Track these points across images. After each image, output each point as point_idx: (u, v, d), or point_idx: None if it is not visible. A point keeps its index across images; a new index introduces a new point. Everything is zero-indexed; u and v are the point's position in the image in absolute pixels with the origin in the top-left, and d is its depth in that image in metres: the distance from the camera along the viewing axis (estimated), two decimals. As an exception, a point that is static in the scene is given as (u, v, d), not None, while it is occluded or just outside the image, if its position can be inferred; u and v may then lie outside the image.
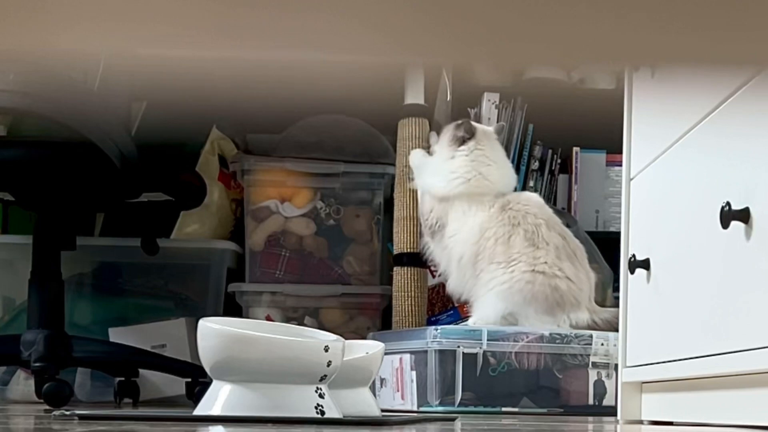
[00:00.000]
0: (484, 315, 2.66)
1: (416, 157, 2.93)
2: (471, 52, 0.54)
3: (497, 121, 3.11)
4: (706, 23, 0.54)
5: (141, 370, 2.91)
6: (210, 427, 1.43)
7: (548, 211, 2.78)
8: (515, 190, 2.91)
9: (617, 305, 2.17)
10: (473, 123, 2.86)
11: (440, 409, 2.50)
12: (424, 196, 2.87)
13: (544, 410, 2.54)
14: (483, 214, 2.73)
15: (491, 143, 2.85)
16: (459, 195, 2.77)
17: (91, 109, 2.45)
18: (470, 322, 2.69)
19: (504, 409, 2.53)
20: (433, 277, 3.06)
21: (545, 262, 2.65)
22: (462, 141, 2.80)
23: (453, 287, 2.80)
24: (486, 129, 2.88)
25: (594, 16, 0.53)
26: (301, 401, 1.50)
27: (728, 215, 1.49)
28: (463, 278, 2.75)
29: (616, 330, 2.58)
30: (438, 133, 2.93)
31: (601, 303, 2.81)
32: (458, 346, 2.50)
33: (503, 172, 2.84)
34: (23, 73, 2.35)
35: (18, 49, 0.57)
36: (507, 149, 3.12)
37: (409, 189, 2.97)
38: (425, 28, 0.53)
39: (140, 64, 2.67)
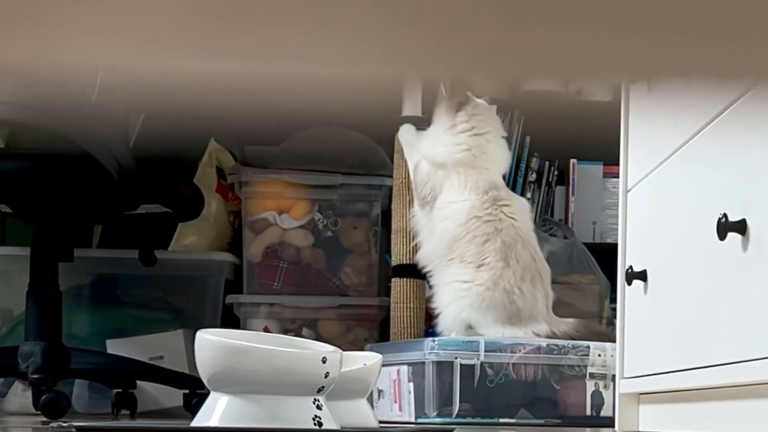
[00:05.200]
0: (447, 325, 2.67)
1: (408, 131, 2.92)
2: (468, 65, 0.55)
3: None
4: (702, 36, 0.54)
5: (138, 382, 2.91)
6: (208, 439, 1.44)
7: (530, 227, 2.76)
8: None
9: (615, 316, 2.17)
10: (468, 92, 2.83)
11: (438, 420, 2.50)
12: (420, 165, 2.84)
13: (542, 421, 2.54)
14: (476, 197, 2.71)
15: (489, 114, 2.83)
16: (458, 163, 2.75)
17: (89, 121, 2.46)
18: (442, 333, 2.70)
19: (501, 420, 2.53)
20: (431, 288, 3.06)
21: (508, 280, 2.64)
22: (459, 106, 2.79)
23: (422, 257, 2.79)
24: (478, 100, 2.86)
25: (590, 29, 0.54)
26: (299, 413, 1.50)
27: (725, 227, 1.49)
28: (434, 254, 2.74)
29: (574, 339, 2.59)
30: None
31: (598, 314, 2.81)
32: (456, 358, 2.51)
33: (501, 151, 2.82)
34: (21, 85, 2.36)
35: (17, 60, 0.58)
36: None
37: (407, 200, 2.96)
38: (423, 40, 0.53)
39: (138, 76, 2.67)
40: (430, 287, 2.80)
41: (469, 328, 2.65)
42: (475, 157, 2.75)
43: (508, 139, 3.14)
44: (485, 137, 2.77)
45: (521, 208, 2.76)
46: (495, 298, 2.62)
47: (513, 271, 2.65)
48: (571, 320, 2.69)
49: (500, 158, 2.81)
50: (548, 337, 2.62)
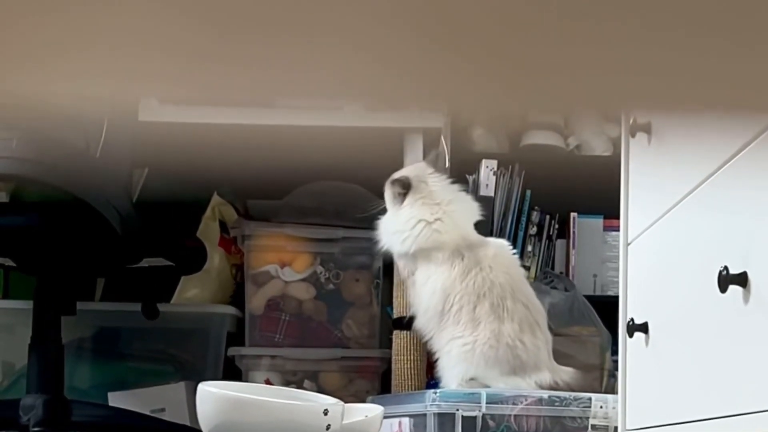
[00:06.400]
0: (449, 380, 2.66)
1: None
2: (471, 106, 0.56)
3: (495, 188, 3.12)
4: (706, 74, 0.56)
5: (140, 435, 2.90)
6: (210, 491, 1.43)
7: (515, 274, 2.73)
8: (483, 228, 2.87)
9: (616, 368, 2.17)
10: (407, 175, 2.80)
11: (440, 474, 2.49)
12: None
13: (544, 475, 2.53)
14: (443, 275, 2.70)
15: (432, 183, 2.80)
16: (415, 253, 2.75)
17: (93, 176, 2.47)
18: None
19: (504, 473, 2.52)
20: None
21: (509, 335, 2.63)
22: (402, 197, 2.79)
23: (419, 328, 2.78)
24: (420, 172, 2.81)
25: (593, 66, 0.55)
26: (302, 465, 1.50)
27: (726, 279, 1.50)
28: (428, 326, 2.74)
29: (574, 391, 2.59)
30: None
31: (600, 366, 2.80)
32: (457, 409, 2.50)
33: (462, 209, 2.79)
34: (26, 140, 2.38)
35: (21, 101, 0.59)
36: (505, 215, 3.13)
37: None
38: (425, 78, 0.54)
39: (142, 131, 2.69)
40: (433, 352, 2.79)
41: (472, 380, 2.64)
42: (427, 240, 2.74)
43: (509, 193, 3.16)
44: (433, 214, 2.75)
45: (501, 264, 2.73)
46: (499, 355, 2.62)
47: (511, 327, 2.64)
48: (570, 369, 2.69)
49: (463, 217, 2.79)
50: (550, 386, 2.62)
